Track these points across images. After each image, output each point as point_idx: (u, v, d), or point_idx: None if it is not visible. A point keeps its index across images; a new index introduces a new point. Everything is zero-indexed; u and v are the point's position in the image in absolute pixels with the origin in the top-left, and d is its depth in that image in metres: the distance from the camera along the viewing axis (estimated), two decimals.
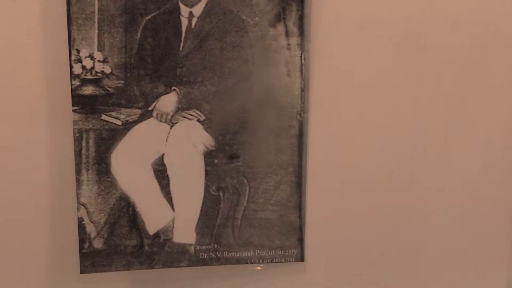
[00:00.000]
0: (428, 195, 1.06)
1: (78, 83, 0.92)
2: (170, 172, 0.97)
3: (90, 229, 0.96)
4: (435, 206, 1.06)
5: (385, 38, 1.00)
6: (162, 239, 0.98)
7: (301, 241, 1.01)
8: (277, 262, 1.01)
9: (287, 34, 0.95)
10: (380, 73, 1.01)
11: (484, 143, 1.06)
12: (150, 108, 0.95)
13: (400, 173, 1.05)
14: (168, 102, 0.95)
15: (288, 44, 0.95)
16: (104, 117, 0.94)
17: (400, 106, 1.03)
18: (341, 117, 1.02)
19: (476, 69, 1.03)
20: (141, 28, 0.93)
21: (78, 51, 0.92)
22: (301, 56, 0.96)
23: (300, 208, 1.00)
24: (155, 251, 0.98)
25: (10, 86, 0.94)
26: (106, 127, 0.94)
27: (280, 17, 0.94)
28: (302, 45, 0.96)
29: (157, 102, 0.95)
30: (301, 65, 0.96)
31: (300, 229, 1.01)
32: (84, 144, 0.94)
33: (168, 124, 0.96)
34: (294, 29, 0.95)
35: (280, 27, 0.95)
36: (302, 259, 1.02)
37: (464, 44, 1.02)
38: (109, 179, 0.95)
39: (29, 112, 0.95)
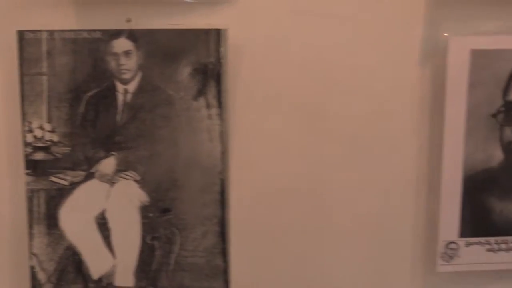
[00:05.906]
0: (338, 232, 1.12)
1: (31, 150, 1.02)
2: (111, 224, 1.06)
3: (41, 276, 1.05)
4: (346, 245, 1.13)
5: (291, 107, 1.08)
6: (105, 283, 1.06)
7: (226, 282, 1.09)
8: None
9: (208, 106, 1.03)
10: (288, 137, 1.09)
11: (380, 192, 1.13)
12: (92, 170, 1.04)
13: (310, 216, 1.12)
14: (108, 165, 1.04)
15: (209, 115, 1.04)
16: (53, 178, 1.03)
17: (306, 162, 1.10)
18: (257, 174, 1.09)
19: (370, 132, 1.10)
20: (84, 103, 1.02)
21: (30, 122, 1.02)
22: (220, 125, 1.04)
23: (224, 254, 1.07)
24: None
25: None
26: (55, 187, 1.03)
27: (201, 92, 1.03)
28: (221, 115, 1.04)
29: (98, 165, 1.04)
30: (221, 132, 1.04)
31: (225, 272, 1.08)
32: (35, 202, 1.03)
33: (109, 183, 1.05)
34: (213, 101, 1.03)
35: (202, 100, 1.03)
36: None
37: (359, 111, 1.09)
38: (57, 232, 1.04)
39: None
